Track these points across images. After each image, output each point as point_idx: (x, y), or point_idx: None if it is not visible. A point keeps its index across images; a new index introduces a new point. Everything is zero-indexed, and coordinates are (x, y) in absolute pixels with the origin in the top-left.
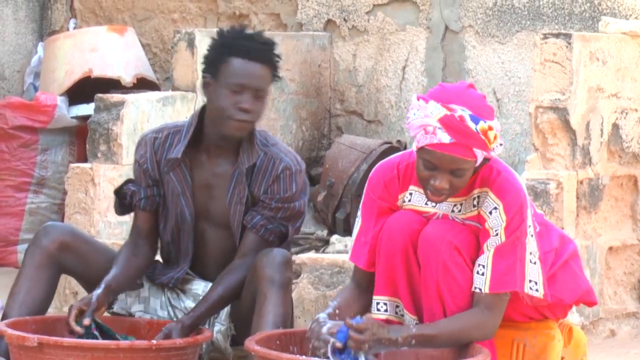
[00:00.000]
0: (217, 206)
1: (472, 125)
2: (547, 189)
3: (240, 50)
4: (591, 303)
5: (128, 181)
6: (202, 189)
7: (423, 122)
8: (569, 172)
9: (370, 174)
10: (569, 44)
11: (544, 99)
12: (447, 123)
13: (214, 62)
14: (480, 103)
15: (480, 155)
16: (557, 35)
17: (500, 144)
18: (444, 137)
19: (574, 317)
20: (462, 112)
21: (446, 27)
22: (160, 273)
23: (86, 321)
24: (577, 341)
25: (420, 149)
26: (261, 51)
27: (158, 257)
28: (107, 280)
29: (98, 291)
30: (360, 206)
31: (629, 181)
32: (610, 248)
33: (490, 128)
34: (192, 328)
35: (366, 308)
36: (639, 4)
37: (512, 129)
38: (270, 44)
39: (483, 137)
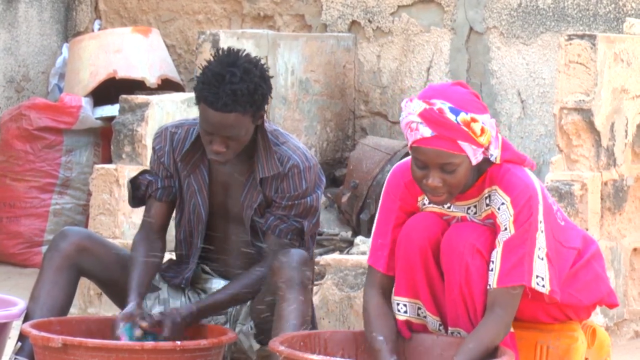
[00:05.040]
0: (235, 204)
1: (451, 116)
2: (572, 190)
3: (207, 99)
4: (612, 305)
5: (144, 171)
6: (219, 187)
7: (407, 120)
8: (593, 174)
9: (388, 176)
10: (594, 45)
11: (569, 100)
12: (427, 116)
13: (195, 97)
14: (465, 97)
15: (469, 149)
16: (581, 37)
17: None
18: (426, 131)
19: (598, 318)
20: (442, 105)
21: (470, 28)
22: (174, 274)
23: (138, 332)
24: (600, 342)
25: (411, 149)
26: (228, 103)
27: (172, 255)
28: (136, 290)
29: (133, 303)
30: (379, 208)
31: None
32: (635, 249)
33: (473, 120)
34: (191, 318)
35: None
36: None
37: (536, 130)
38: (242, 91)
39: (465, 129)
